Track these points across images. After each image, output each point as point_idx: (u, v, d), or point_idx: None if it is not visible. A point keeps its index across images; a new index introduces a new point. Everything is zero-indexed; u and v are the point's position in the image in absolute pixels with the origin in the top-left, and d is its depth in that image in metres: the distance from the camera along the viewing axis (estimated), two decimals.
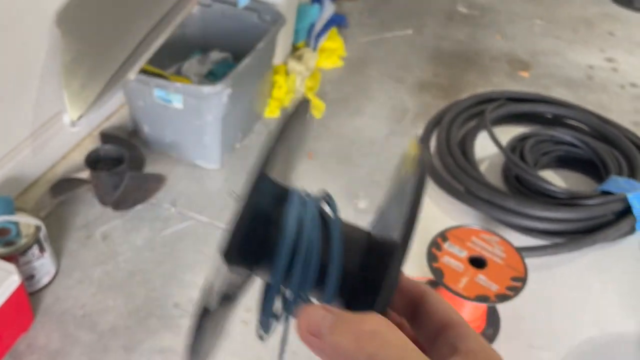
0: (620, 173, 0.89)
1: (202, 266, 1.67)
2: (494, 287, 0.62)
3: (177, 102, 1.79)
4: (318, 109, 2.29)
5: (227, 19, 2.15)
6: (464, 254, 0.66)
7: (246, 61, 1.78)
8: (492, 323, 0.71)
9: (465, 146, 0.94)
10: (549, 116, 1.05)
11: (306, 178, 1.99)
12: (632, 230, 0.84)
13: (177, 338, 1.49)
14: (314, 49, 2.55)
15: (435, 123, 1.00)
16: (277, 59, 2.38)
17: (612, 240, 0.83)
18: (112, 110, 1.99)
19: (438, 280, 0.62)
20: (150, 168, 1.98)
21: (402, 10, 3.01)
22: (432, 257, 0.65)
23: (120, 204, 1.79)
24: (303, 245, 0.37)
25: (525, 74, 2.63)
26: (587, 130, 1.01)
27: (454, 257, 0.65)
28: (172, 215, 1.83)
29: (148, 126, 1.96)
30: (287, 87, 2.31)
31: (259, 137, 2.16)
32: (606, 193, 0.84)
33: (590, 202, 0.83)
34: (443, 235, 0.68)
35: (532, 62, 2.71)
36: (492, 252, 0.66)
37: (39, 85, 1.64)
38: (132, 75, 1.65)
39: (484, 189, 0.85)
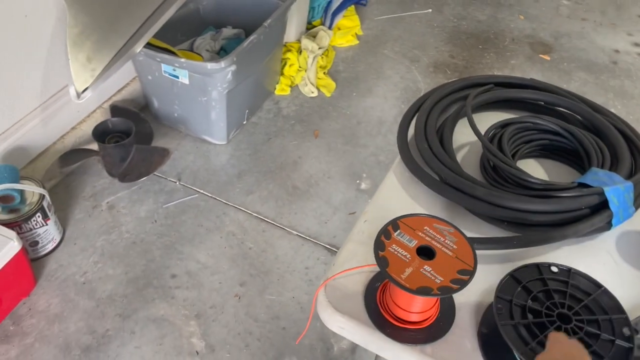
0: (602, 165, 0.86)
1: (201, 239, 1.71)
2: (438, 280, 0.62)
3: (184, 78, 1.80)
4: (328, 87, 2.27)
5: None
6: (413, 244, 0.65)
7: (252, 38, 1.78)
8: (446, 313, 0.71)
9: (444, 133, 0.92)
10: (541, 103, 1.02)
11: (310, 156, 2.00)
12: (608, 226, 0.81)
13: (172, 309, 1.53)
14: (330, 27, 2.52)
15: (417, 107, 0.98)
16: (291, 36, 2.37)
17: (584, 235, 0.81)
18: (124, 83, 2.02)
19: (381, 268, 0.62)
20: (158, 142, 2.01)
21: None
22: (379, 245, 0.65)
23: (127, 176, 1.83)
24: None
25: (546, 57, 2.55)
26: (578, 119, 0.98)
27: (402, 246, 0.65)
28: (177, 188, 1.86)
29: (157, 100, 1.98)
30: (299, 65, 2.30)
31: (268, 115, 2.16)
32: (584, 186, 0.82)
33: (565, 194, 0.81)
34: (394, 224, 0.68)
35: (554, 44, 2.63)
36: (443, 243, 0.66)
37: (47, 57, 1.67)
38: (138, 48, 1.67)
39: (454, 177, 0.83)
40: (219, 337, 1.49)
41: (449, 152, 0.90)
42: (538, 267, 0.69)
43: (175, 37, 2.14)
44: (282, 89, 2.25)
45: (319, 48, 2.35)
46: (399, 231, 0.67)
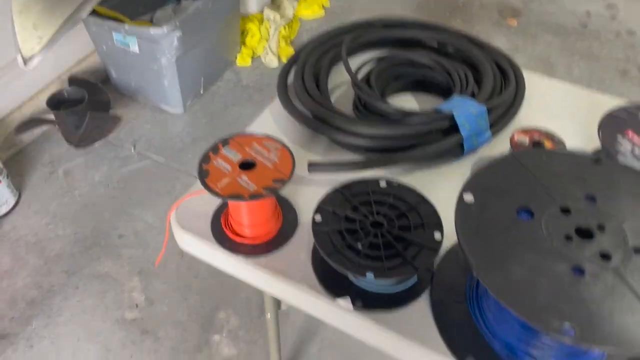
0: (464, 93, 0.87)
1: (151, 202, 1.76)
2: (252, 187, 0.65)
3: (134, 46, 1.84)
4: (287, 55, 2.29)
5: None
6: (238, 158, 0.68)
7: (196, 4, 1.81)
8: (287, 230, 0.74)
9: (320, 72, 0.94)
10: (428, 42, 1.03)
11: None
12: (460, 151, 0.82)
13: (116, 266, 1.59)
14: None
15: (300, 50, 1.01)
16: (254, 7, 2.39)
17: (436, 159, 0.82)
18: (83, 55, 2.08)
19: (200, 179, 0.65)
20: (118, 112, 2.06)
21: None
22: (205, 159, 0.68)
23: (82, 142, 1.89)
24: None
25: (513, 22, 2.53)
26: (456, 54, 0.99)
27: (226, 160, 0.68)
28: (132, 155, 1.91)
29: (114, 71, 2.03)
30: (261, 35, 2.32)
31: (228, 85, 2.20)
32: (439, 112, 0.83)
33: (416, 120, 0.82)
34: (224, 141, 0.71)
35: (524, 9, 2.60)
36: (267, 157, 0.68)
37: None
38: (84, 14, 1.71)
39: (318, 108, 0.86)
40: (159, 292, 1.54)
41: (322, 89, 0.92)
42: (367, 182, 0.72)
43: (136, 10, 2.18)
44: (243, 59, 2.28)
45: (281, 18, 2.37)
46: (227, 147, 0.70)
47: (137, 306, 1.50)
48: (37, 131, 1.95)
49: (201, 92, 2.10)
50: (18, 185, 1.78)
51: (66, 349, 1.41)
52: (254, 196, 0.64)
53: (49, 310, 1.48)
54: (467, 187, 0.59)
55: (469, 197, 0.58)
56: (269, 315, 1.05)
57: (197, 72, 2.02)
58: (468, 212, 0.57)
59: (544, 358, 0.58)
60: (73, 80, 1.99)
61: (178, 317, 1.48)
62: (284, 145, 0.71)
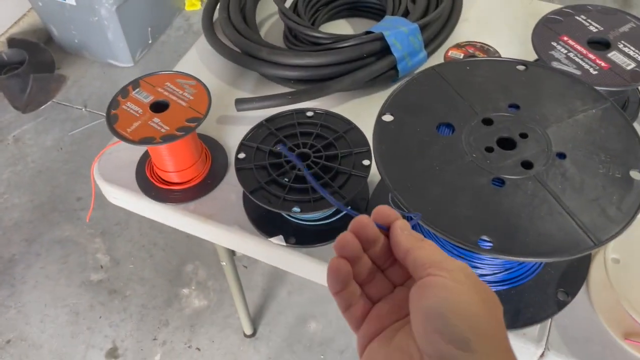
0: (397, 13, 0.82)
1: None
2: (164, 129, 0.61)
3: None
4: None
5: None
6: (149, 99, 0.64)
7: None
8: (217, 172, 0.70)
9: (247, 5, 0.89)
10: None
11: None
12: (395, 73, 0.78)
13: (77, 229, 1.55)
14: None
15: None
16: None
17: (365, 84, 0.77)
18: (19, 14, 1.96)
19: (108, 125, 0.61)
20: (65, 71, 1.97)
21: None
22: (113, 104, 0.64)
23: (28, 106, 1.81)
24: None
25: None
26: None
27: (137, 102, 0.63)
28: (83, 115, 1.84)
29: (55, 28, 1.93)
30: None
31: (178, 32, 2.10)
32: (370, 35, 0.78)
33: (345, 44, 0.78)
34: (136, 82, 0.66)
35: None
36: (180, 95, 0.64)
37: None
38: None
39: (243, 41, 0.81)
40: (123, 251, 1.51)
41: (249, 22, 0.87)
42: (293, 114, 0.68)
43: None
44: (192, 3, 2.18)
45: None
46: (138, 89, 0.66)
47: (102, 267, 1.48)
48: None
49: (149, 42, 2.01)
50: None
51: (34, 315, 1.39)
52: (166, 138, 0.60)
53: (12, 279, 1.46)
54: (386, 108, 0.56)
55: (387, 117, 0.55)
56: (224, 263, 1.03)
57: (143, 22, 1.92)
58: (386, 132, 0.53)
59: (484, 274, 0.57)
60: (12, 42, 1.89)
61: (145, 275, 1.47)
62: (199, 82, 0.66)
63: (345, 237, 0.34)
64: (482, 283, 0.32)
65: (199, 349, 1.32)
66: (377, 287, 0.36)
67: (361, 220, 0.35)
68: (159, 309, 1.40)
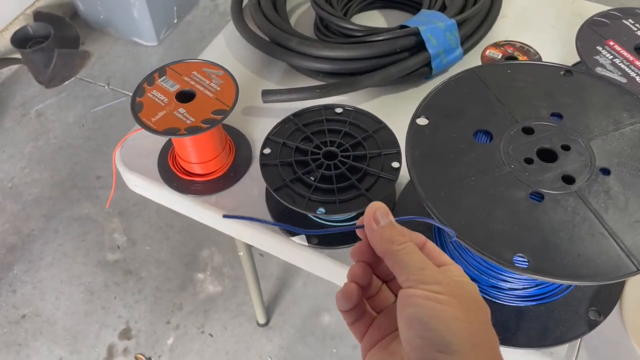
0: (434, 7, 0.79)
1: None
2: (189, 120, 0.59)
3: None
4: None
5: None
6: (175, 88, 0.62)
7: None
8: (241, 165, 0.69)
9: None
10: None
11: None
12: (429, 71, 0.75)
13: (95, 207, 1.56)
14: None
15: None
16: None
17: (397, 81, 0.74)
18: None
19: (133, 114, 0.60)
20: (90, 47, 1.97)
21: None
22: (139, 92, 0.62)
23: (52, 81, 1.81)
24: None
25: None
26: None
27: (163, 91, 0.62)
28: (106, 92, 1.84)
29: (81, 3, 1.92)
30: None
31: (204, 12, 2.08)
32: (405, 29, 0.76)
33: (378, 38, 0.75)
34: (162, 70, 0.64)
35: None
36: (207, 85, 0.62)
37: None
38: None
39: (273, 30, 0.78)
40: (140, 232, 1.51)
41: (279, 9, 0.85)
42: (321, 109, 0.66)
43: None
44: None
45: None
46: (164, 77, 0.64)
47: (118, 247, 1.48)
48: (5, 71, 1.87)
49: (175, 21, 1.99)
50: None
51: (49, 292, 1.40)
52: (191, 130, 0.59)
53: (30, 255, 1.47)
54: (421, 110, 0.53)
55: (422, 120, 0.52)
56: (241, 254, 1.02)
57: (169, 0, 1.90)
58: (420, 136, 0.51)
59: (513, 287, 0.54)
60: (38, 15, 1.88)
61: (161, 257, 1.47)
62: (227, 72, 0.64)
63: (357, 269, 0.37)
64: (468, 285, 0.33)
65: (211, 335, 1.32)
66: (381, 299, 0.39)
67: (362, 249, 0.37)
68: (173, 292, 1.40)
